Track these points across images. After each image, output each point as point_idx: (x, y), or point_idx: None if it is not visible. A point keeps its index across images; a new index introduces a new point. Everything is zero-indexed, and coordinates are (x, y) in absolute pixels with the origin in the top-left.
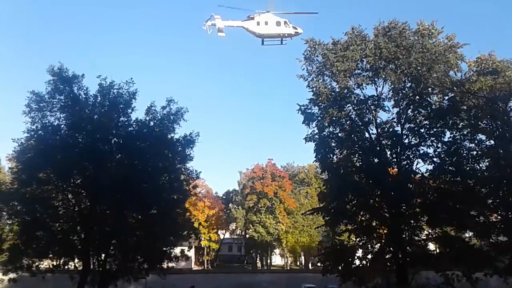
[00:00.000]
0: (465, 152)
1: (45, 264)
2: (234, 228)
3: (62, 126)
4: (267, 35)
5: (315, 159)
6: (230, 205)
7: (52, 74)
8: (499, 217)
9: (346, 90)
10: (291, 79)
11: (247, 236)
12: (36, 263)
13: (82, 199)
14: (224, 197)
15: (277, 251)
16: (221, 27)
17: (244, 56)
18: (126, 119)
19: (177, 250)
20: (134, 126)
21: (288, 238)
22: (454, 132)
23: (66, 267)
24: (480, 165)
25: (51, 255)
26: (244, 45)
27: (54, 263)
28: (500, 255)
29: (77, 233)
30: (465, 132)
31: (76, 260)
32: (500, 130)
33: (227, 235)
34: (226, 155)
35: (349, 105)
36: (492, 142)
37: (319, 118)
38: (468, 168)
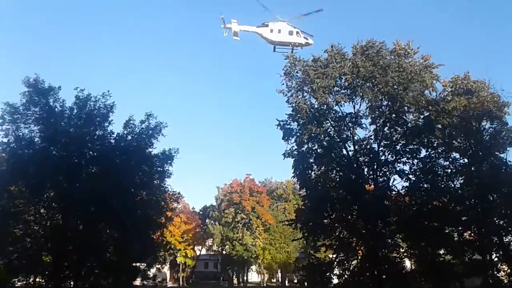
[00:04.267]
0: (439, 169)
1: (16, 282)
2: (210, 244)
3: (36, 138)
4: (279, 42)
5: (293, 174)
6: (207, 220)
7: (27, 86)
8: (472, 235)
9: (325, 106)
10: (270, 94)
11: (224, 252)
12: (7, 280)
13: (55, 214)
14: (201, 212)
15: (253, 267)
16: (236, 31)
17: (223, 72)
18: (102, 132)
19: (151, 271)
20: (111, 139)
21: (265, 254)
22: (429, 150)
23: (37, 285)
24: (454, 182)
25: (22, 273)
26: (224, 59)
27: (25, 280)
28: (473, 274)
29: (49, 250)
30: (439, 150)
31: (48, 278)
32: (474, 148)
33: (204, 251)
34: (204, 170)
35: (328, 121)
36: (466, 160)
37: (298, 134)
38: (442, 186)
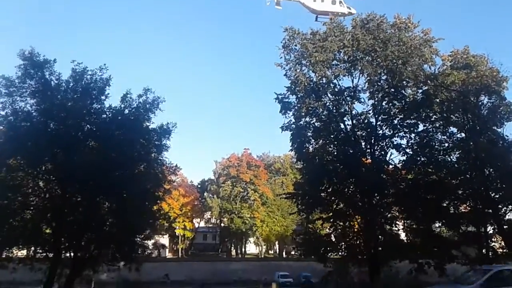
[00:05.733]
0: (437, 144)
1: (16, 253)
2: (209, 217)
3: (33, 112)
4: (321, 11)
5: (291, 148)
6: (205, 194)
7: (22, 59)
8: (468, 207)
9: (323, 80)
10: (269, 67)
11: (222, 225)
12: (6, 253)
13: (54, 186)
14: (199, 186)
15: (251, 239)
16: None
17: (220, 44)
18: (99, 106)
19: (150, 243)
20: (108, 113)
21: (263, 227)
22: (427, 124)
23: (37, 255)
24: (451, 157)
25: (21, 244)
26: (220, 32)
27: (25, 252)
28: (468, 245)
29: (48, 222)
30: (437, 125)
31: (47, 249)
32: (471, 123)
33: (202, 224)
34: (202, 144)
35: (326, 95)
36: (463, 135)
37: (296, 107)
38: (439, 160)
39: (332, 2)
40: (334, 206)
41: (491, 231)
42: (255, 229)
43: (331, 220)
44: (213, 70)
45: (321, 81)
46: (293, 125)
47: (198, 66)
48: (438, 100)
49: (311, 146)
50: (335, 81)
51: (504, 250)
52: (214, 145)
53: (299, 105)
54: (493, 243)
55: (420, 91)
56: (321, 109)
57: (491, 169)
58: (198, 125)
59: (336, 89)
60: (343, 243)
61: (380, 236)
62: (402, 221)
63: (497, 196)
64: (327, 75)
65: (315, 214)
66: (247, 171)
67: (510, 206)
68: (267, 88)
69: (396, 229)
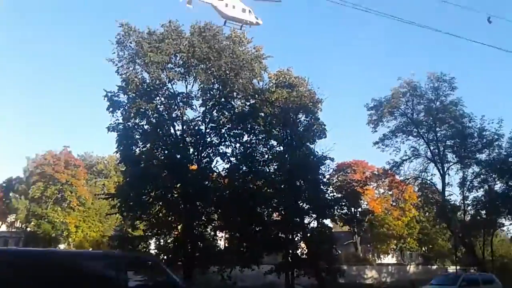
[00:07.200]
0: (258, 155)
1: None
2: (13, 220)
3: None
4: (231, 17)
5: (116, 150)
6: (11, 194)
7: None
8: (279, 216)
9: (157, 82)
10: (98, 63)
11: (29, 229)
12: None
13: None
14: (4, 184)
15: (62, 246)
16: None
17: (46, 33)
18: None
19: None
20: None
21: (77, 232)
22: (251, 135)
23: None
24: (270, 168)
25: None
26: (46, 20)
27: None
28: (278, 250)
29: None
30: (260, 137)
31: None
32: (289, 138)
33: (4, 228)
34: (12, 139)
35: (159, 98)
36: (282, 148)
37: (126, 107)
38: (259, 170)
39: (242, 10)
40: (156, 211)
41: (297, 238)
42: (66, 234)
43: (151, 224)
44: (32, 58)
45: (154, 83)
46: (121, 126)
47: (13, 48)
48: (262, 114)
49: (138, 149)
50: (169, 84)
51: (306, 256)
52: (28, 141)
53: (129, 105)
54: (298, 250)
55: (248, 103)
56: (152, 112)
57: (302, 181)
58: (8, 116)
59: (170, 93)
60: (162, 247)
61: (199, 242)
62: (222, 227)
63: (305, 206)
64: (161, 77)
65: (136, 218)
66: (65, 171)
67: (314, 215)
68: (98, 84)
69: (217, 235)
